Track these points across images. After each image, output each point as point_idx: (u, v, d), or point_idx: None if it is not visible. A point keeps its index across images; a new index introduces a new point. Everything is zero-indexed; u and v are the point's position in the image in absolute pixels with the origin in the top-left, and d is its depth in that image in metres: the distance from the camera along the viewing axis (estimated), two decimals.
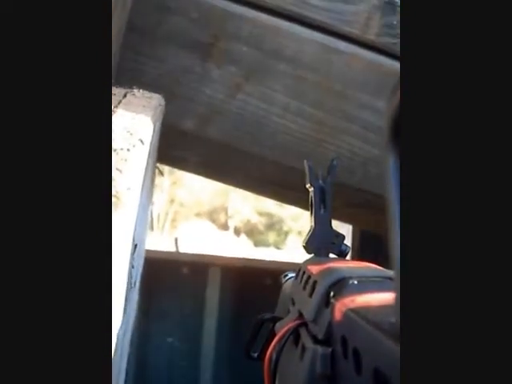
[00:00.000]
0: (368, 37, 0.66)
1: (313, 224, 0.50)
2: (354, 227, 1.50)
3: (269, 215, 6.71)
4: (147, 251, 0.66)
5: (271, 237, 6.86)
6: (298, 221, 6.40)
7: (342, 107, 0.70)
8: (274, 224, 6.72)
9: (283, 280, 0.58)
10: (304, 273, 0.40)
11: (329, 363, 0.29)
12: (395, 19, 0.66)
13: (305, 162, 0.51)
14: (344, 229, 1.62)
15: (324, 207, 0.50)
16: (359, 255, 1.46)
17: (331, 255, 0.49)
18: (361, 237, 1.41)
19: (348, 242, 1.72)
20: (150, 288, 1.42)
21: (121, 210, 0.28)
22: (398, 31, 0.66)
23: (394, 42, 0.66)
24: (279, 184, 0.84)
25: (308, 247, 0.49)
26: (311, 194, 0.50)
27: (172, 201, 6.55)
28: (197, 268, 1.49)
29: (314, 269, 0.38)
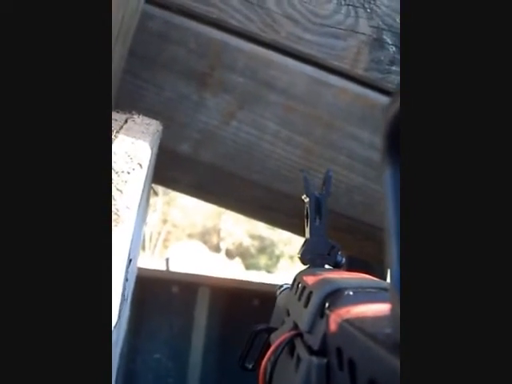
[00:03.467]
0: (357, 71, 0.70)
1: (308, 235, 0.50)
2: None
3: (261, 238, 6.74)
4: (139, 269, 0.69)
5: (263, 260, 6.86)
6: (290, 245, 6.40)
7: (329, 137, 0.74)
8: (265, 248, 6.73)
9: (278, 291, 0.58)
10: (299, 284, 0.40)
11: (324, 374, 0.29)
12: (382, 55, 0.71)
13: (300, 172, 0.52)
14: None
15: (319, 218, 0.50)
16: None
17: (326, 266, 0.49)
18: (347, 262, 1.44)
19: None
20: (141, 305, 1.44)
21: (120, 226, 0.31)
22: (385, 66, 0.71)
23: (380, 77, 0.70)
24: (269, 208, 0.87)
25: (303, 258, 0.49)
26: (306, 205, 0.50)
27: (165, 221, 6.56)
28: (187, 287, 1.52)
29: (310, 279, 0.38)
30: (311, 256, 0.49)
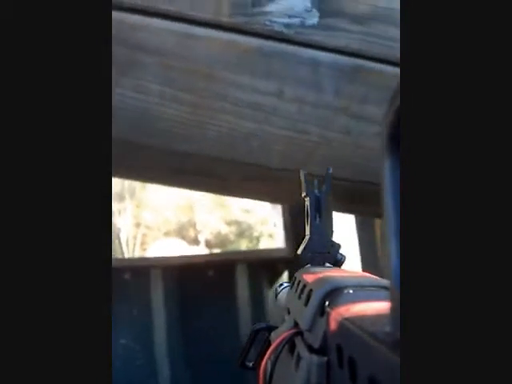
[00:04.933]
0: (220, 18, 0.72)
1: (308, 233, 0.50)
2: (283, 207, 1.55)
3: (237, 223, 6.74)
4: None
5: (243, 244, 6.86)
6: (267, 224, 6.42)
7: (212, 88, 0.76)
8: (243, 231, 6.75)
9: (278, 289, 0.58)
10: (299, 282, 0.40)
11: (324, 372, 0.29)
12: None
13: (300, 171, 0.52)
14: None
15: (319, 216, 0.50)
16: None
17: (326, 264, 0.50)
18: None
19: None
20: None
21: None
22: (249, 10, 0.72)
23: (246, 21, 0.72)
24: (181, 171, 0.89)
25: (303, 256, 0.50)
26: (306, 203, 0.51)
27: (138, 224, 6.54)
28: (138, 272, 1.54)
29: (310, 278, 0.38)
30: (311, 254, 0.50)
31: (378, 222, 1.20)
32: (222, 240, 6.79)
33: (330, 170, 0.50)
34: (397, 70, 0.72)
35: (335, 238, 0.51)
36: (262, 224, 6.58)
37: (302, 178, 0.51)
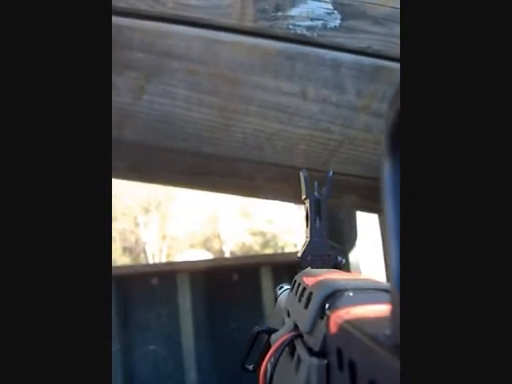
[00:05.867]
0: (245, 24, 0.75)
1: (308, 236, 0.50)
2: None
3: (262, 234, 6.78)
4: (116, 268, 0.73)
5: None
6: (291, 233, 6.42)
7: (237, 91, 0.78)
8: (268, 241, 6.77)
9: (278, 292, 0.59)
10: (299, 284, 0.40)
11: (324, 375, 0.29)
12: (266, 4, 0.75)
13: (300, 173, 0.51)
14: None
15: (319, 219, 0.50)
16: None
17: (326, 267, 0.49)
18: None
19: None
20: (124, 301, 1.48)
21: None
22: (271, 14, 0.75)
23: (269, 25, 0.75)
24: (202, 173, 0.91)
25: (303, 259, 0.50)
26: (307, 205, 0.50)
27: (164, 236, 6.60)
28: (166, 277, 1.56)
29: (310, 280, 0.38)
30: (311, 257, 0.50)
31: None
32: (246, 251, 6.81)
33: (330, 173, 0.50)
34: None
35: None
36: (287, 233, 6.58)
37: (302, 179, 0.51)
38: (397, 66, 0.75)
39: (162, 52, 0.76)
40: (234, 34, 0.75)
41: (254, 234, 6.85)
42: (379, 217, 1.30)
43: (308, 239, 0.50)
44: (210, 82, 0.77)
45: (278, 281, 1.65)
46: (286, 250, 6.49)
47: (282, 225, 6.44)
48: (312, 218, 0.50)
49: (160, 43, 0.76)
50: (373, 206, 0.99)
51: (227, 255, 6.63)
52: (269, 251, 6.80)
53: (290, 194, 1.00)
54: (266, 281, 1.61)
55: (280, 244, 6.73)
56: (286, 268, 1.65)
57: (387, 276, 1.37)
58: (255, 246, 6.88)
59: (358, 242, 1.28)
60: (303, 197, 0.51)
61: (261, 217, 6.58)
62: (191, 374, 1.56)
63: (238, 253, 6.72)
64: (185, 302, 1.53)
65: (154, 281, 1.54)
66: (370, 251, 1.29)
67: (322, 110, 0.75)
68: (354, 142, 0.78)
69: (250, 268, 1.58)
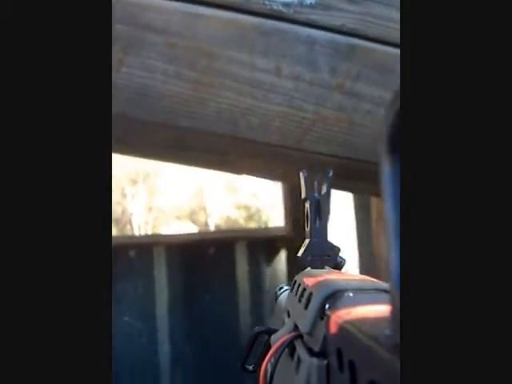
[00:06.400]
0: None
1: (308, 236, 0.50)
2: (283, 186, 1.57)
3: (246, 208, 6.83)
4: None
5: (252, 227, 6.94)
6: (275, 210, 6.48)
7: (213, 65, 0.79)
8: (252, 215, 6.84)
9: (278, 292, 0.58)
10: (299, 285, 0.40)
11: (324, 376, 0.29)
12: None
13: (300, 173, 0.51)
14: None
15: (319, 219, 0.50)
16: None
17: (326, 267, 0.50)
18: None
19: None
20: None
21: None
22: None
23: (245, 0, 0.76)
24: (182, 147, 0.93)
25: (303, 259, 0.50)
26: (307, 206, 0.50)
27: (150, 208, 6.62)
28: (143, 249, 1.58)
29: (310, 281, 0.38)
30: (311, 257, 0.50)
31: (374, 201, 1.23)
32: (231, 224, 6.85)
33: (330, 174, 0.50)
34: (390, 50, 0.76)
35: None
36: (270, 209, 6.63)
37: (302, 180, 0.51)
38: (371, 45, 0.77)
39: (142, 25, 0.77)
40: (212, 8, 0.76)
41: (238, 207, 6.89)
42: (353, 196, 1.33)
43: (308, 239, 0.50)
44: (188, 55, 0.78)
45: (252, 255, 1.68)
46: (270, 224, 6.55)
47: (266, 200, 6.48)
48: (312, 218, 0.50)
49: (140, 15, 0.77)
50: (345, 184, 1.01)
51: (212, 228, 6.66)
52: (252, 225, 6.85)
53: (265, 171, 1.02)
54: (241, 255, 1.65)
55: (264, 218, 6.78)
56: (260, 243, 1.68)
57: (359, 252, 1.40)
58: (240, 219, 6.92)
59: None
60: (303, 197, 0.51)
61: (246, 191, 6.61)
62: (164, 346, 1.60)
63: (223, 226, 6.76)
64: (160, 274, 1.56)
65: (132, 253, 1.56)
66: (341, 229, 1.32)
67: (296, 88, 0.77)
68: (327, 121, 0.80)
69: (226, 242, 1.61)
